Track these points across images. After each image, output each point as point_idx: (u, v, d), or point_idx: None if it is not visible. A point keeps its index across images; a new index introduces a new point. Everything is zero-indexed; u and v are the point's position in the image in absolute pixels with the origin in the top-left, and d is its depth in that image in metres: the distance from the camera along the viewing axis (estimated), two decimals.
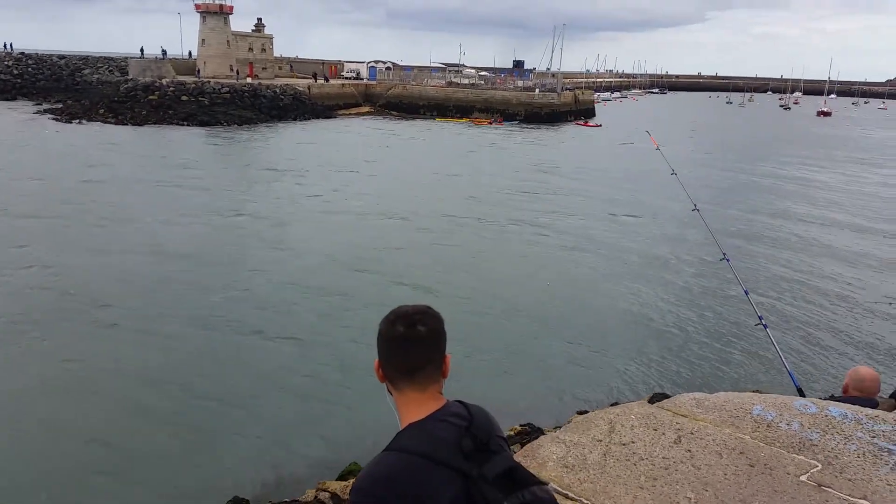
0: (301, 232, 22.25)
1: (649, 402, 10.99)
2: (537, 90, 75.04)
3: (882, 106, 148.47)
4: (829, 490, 3.22)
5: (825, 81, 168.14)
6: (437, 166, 38.11)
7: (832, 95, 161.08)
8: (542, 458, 3.42)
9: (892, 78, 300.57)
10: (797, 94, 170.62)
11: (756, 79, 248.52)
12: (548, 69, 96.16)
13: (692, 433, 3.69)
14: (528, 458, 3.45)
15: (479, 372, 12.61)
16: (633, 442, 3.58)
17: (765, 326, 6.99)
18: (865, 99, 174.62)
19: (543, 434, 9.92)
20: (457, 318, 15.12)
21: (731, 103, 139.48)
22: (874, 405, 4.30)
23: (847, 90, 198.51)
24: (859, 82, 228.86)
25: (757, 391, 11.57)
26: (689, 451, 3.51)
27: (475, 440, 1.85)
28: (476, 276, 18.42)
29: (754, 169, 44.02)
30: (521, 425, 10.40)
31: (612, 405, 11.01)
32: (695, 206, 9.40)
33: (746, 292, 7.38)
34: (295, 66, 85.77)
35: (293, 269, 18.11)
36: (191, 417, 10.73)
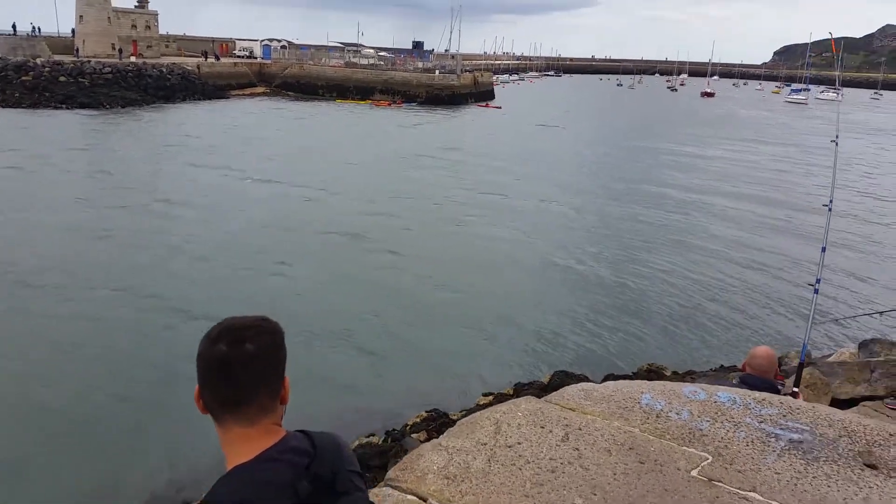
0: (192, 216, 21.03)
1: (549, 382, 11.00)
2: (437, 72, 74.74)
3: (759, 87, 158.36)
4: (720, 485, 3.08)
5: (708, 64, 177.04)
6: (345, 148, 37.21)
7: (715, 77, 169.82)
8: (422, 470, 3.11)
9: (767, 61, 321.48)
10: (683, 75, 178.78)
11: (644, 61, 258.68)
12: (446, 51, 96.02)
13: (580, 429, 3.48)
14: (406, 470, 3.13)
15: (386, 358, 12.30)
16: (519, 443, 3.33)
17: (815, 291, 6.90)
18: (744, 80, 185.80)
19: (449, 419, 9.78)
20: (364, 301, 14.80)
21: (621, 85, 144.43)
22: (769, 385, 4.27)
23: (728, 72, 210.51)
24: (739, 65, 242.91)
25: (652, 366, 11.88)
26: (577, 449, 3.30)
27: (316, 480, 1.50)
28: (384, 257, 18.04)
29: (656, 146, 45.68)
30: (427, 411, 10.18)
31: (514, 386, 11.00)
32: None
33: (824, 249, 7.21)
34: (183, 44, 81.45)
35: (185, 256, 17.08)
36: (88, 415, 9.85)
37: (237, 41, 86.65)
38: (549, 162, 37.20)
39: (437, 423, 9.21)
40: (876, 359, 7.74)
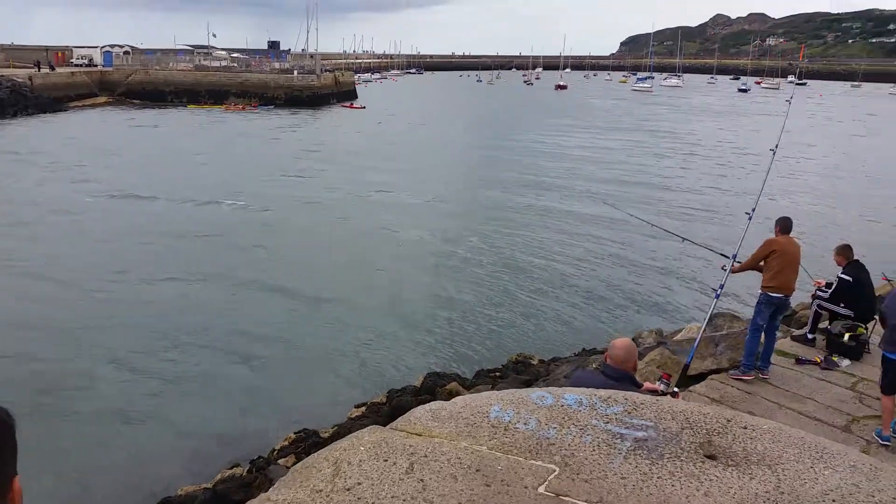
0: (34, 234, 19.12)
1: (422, 385, 10.82)
2: (296, 72, 73.04)
3: (608, 77, 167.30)
4: (567, 499, 2.97)
5: (560, 57, 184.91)
6: (201, 155, 35.31)
7: (567, 70, 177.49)
8: None
9: (614, 52, 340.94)
10: (538, 69, 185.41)
11: (501, 56, 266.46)
12: (304, 50, 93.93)
13: (426, 456, 3.27)
14: None
15: (255, 372, 11.70)
16: (359, 483, 3.06)
17: (717, 297, 7.03)
18: (594, 71, 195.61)
19: (320, 438, 9.35)
20: (232, 310, 14.07)
21: (480, 81, 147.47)
22: (626, 376, 4.27)
23: (580, 64, 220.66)
24: (589, 56, 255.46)
25: (521, 356, 12.02)
26: (422, 480, 3.08)
27: None
28: (254, 264, 17.27)
29: (519, 138, 46.86)
30: (295, 432, 9.70)
31: (387, 392, 10.74)
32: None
33: (734, 256, 7.35)
34: (13, 54, 74.50)
35: (31, 276, 15.48)
36: None
37: (74, 49, 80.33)
38: (421, 157, 37.38)
39: (305, 445, 8.79)
40: (720, 333, 8.17)
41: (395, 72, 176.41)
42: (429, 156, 39.01)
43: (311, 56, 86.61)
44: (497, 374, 10.70)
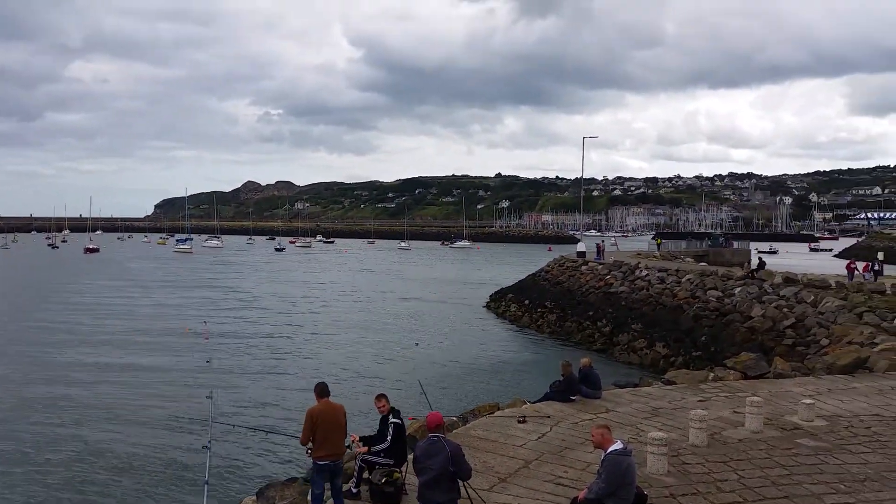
0: None
1: None
2: None
3: (145, 239, 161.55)
4: None
5: (88, 219, 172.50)
6: None
7: (98, 231, 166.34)
8: None
9: (149, 213, 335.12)
10: (65, 231, 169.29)
11: (17, 218, 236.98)
12: None
13: None
14: None
15: None
16: None
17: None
18: (129, 234, 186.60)
19: None
20: None
21: None
22: None
23: (112, 226, 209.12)
24: (122, 218, 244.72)
25: None
26: None
27: None
28: None
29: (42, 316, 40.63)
30: None
31: None
32: None
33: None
34: None
35: None
36: None
37: None
38: None
39: None
40: None
41: None
42: None
43: None
44: None
